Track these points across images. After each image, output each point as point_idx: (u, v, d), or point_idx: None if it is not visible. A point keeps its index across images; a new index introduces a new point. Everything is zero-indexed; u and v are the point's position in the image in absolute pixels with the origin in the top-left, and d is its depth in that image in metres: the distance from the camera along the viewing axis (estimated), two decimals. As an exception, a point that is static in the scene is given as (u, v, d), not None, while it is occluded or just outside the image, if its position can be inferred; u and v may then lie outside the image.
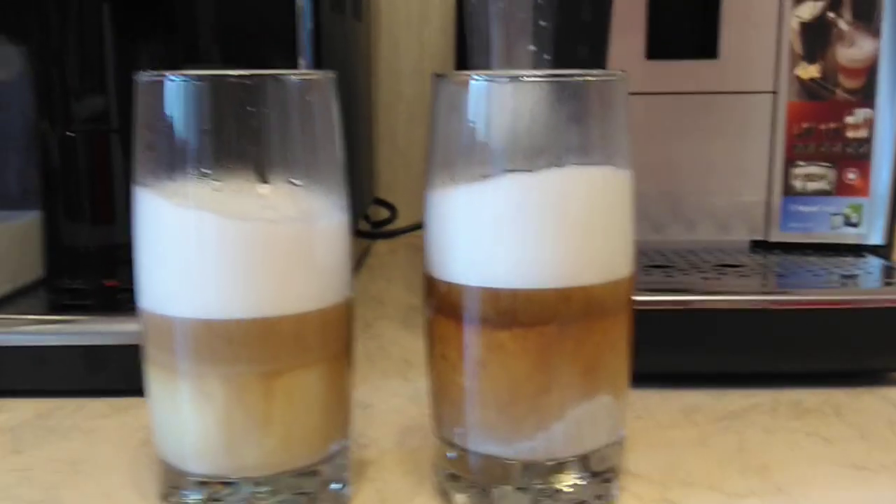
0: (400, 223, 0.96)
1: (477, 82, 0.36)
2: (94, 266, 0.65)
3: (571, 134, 0.36)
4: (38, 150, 0.63)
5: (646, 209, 0.50)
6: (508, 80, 0.36)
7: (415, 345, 0.63)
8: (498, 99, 0.36)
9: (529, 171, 0.36)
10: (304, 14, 0.58)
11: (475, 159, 0.37)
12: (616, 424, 0.40)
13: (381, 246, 0.94)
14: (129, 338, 0.52)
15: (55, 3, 0.64)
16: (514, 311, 0.37)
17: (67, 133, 0.62)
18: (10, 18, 0.61)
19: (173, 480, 0.39)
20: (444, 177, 0.38)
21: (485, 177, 0.36)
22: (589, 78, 0.36)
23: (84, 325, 0.53)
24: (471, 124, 0.37)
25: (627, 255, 0.39)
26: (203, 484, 0.38)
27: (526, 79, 0.36)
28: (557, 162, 0.36)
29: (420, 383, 0.56)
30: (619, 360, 0.39)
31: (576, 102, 0.36)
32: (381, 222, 0.96)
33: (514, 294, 0.37)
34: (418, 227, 0.95)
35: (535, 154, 0.36)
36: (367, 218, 0.91)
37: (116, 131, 0.63)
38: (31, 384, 0.53)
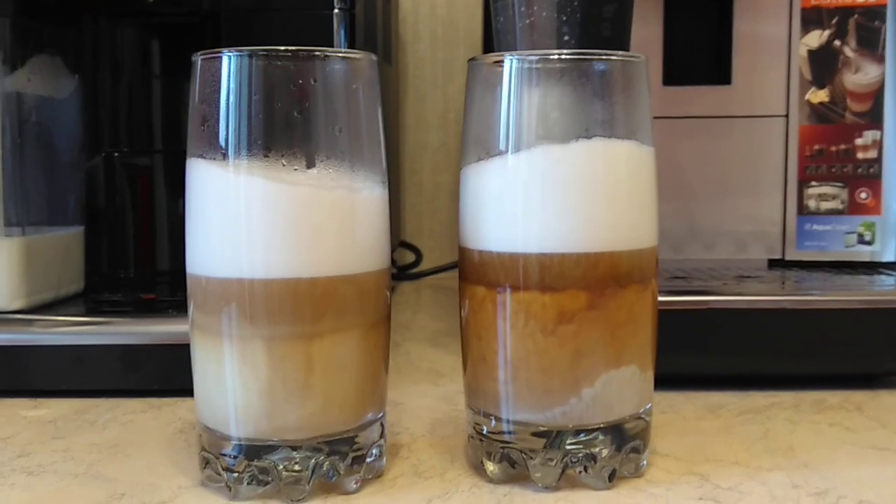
0: (425, 266, 0.99)
1: (510, 60, 0.39)
2: (132, 282, 0.67)
3: (597, 109, 0.39)
4: (84, 170, 0.66)
5: (664, 229, 0.52)
6: (538, 58, 0.39)
7: (443, 359, 0.65)
8: (528, 76, 0.39)
9: (559, 142, 0.38)
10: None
11: (508, 133, 0.39)
12: (643, 396, 0.41)
13: (406, 286, 0.96)
14: (164, 338, 0.54)
15: (105, 35, 0.68)
16: (544, 276, 0.39)
17: (112, 154, 0.65)
18: (63, 47, 0.64)
19: (214, 446, 0.40)
20: (479, 152, 0.40)
21: (517, 149, 0.39)
22: (613, 57, 0.39)
23: (121, 326, 0.55)
24: (504, 100, 0.39)
25: (651, 226, 0.41)
26: (243, 448, 0.39)
27: (554, 56, 0.39)
28: (585, 135, 0.38)
29: (449, 388, 0.57)
30: (645, 332, 0.41)
31: (601, 79, 0.39)
32: (406, 266, 0.99)
33: (543, 259, 0.38)
34: (443, 269, 0.98)
35: (563, 127, 0.39)
36: (393, 261, 0.93)
37: (160, 152, 0.67)
38: (68, 384, 0.54)
